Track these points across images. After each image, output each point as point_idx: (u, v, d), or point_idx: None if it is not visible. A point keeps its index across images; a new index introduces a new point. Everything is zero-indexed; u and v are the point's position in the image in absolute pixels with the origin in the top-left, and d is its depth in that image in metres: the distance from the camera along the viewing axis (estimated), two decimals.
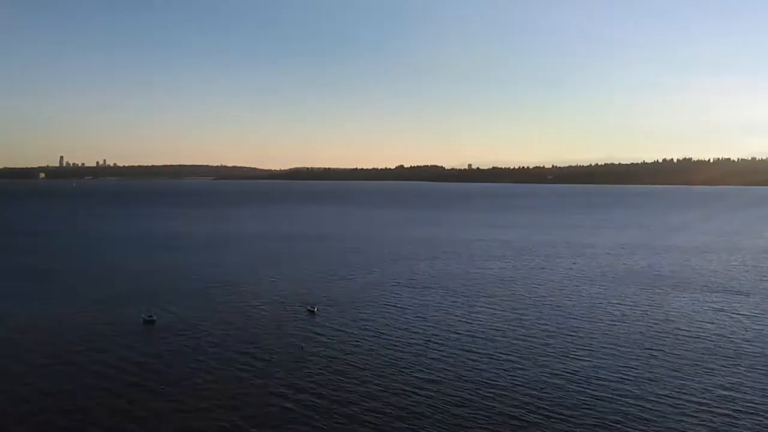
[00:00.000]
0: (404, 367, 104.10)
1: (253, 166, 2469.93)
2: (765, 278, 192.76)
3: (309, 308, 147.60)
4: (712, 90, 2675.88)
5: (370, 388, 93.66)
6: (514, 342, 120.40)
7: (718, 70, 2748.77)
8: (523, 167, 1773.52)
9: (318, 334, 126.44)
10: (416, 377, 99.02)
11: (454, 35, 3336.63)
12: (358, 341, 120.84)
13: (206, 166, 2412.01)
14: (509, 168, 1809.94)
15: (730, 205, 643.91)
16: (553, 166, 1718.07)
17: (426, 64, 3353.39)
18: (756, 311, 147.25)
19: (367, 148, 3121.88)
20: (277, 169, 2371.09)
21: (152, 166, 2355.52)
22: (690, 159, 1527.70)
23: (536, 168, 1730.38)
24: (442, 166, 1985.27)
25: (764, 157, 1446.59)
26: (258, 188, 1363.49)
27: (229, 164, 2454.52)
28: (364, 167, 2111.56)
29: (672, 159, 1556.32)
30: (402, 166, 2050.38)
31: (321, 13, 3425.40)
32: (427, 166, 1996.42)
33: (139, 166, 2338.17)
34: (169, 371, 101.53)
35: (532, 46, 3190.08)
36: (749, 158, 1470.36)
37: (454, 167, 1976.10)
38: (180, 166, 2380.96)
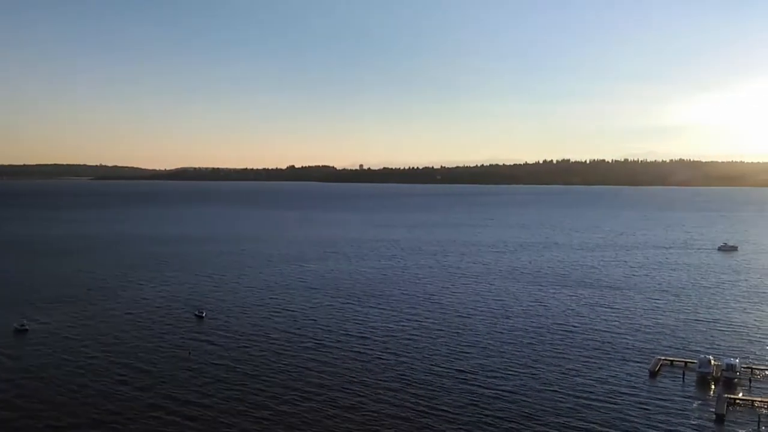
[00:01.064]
0: (295, 372, 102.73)
1: (135, 166, 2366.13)
2: (636, 273, 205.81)
3: (197, 313, 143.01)
4: (593, 96, 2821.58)
5: (261, 396, 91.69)
6: (404, 341, 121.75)
7: (598, 78, 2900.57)
8: (413, 168, 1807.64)
9: (206, 339, 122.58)
10: (308, 382, 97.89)
11: (346, 36, 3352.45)
12: (247, 346, 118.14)
13: (83, 165, 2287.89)
14: (399, 168, 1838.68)
15: (605, 204, 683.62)
16: (441, 166, 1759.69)
17: (317, 64, 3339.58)
18: (629, 304, 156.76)
19: (257, 147, 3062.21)
20: (162, 168, 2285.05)
21: (23, 165, 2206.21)
22: (568, 160, 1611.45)
23: (426, 168, 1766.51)
24: (333, 167, 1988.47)
25: (635, 159, 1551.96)
26: (141, 189, 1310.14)
27: (110, 163, 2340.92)
28: (254, 167, 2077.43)
29: (552, 160, 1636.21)
30: (293, 166, 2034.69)
31: (211, 8, 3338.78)
32: (319, 166, 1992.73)
33: (9, 166, 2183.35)
34: (41, 385, 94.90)
35: (423, 50, 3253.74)
36: (622, 159, 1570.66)
37: (346, 167, 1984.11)
38: (54, 165, 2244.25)
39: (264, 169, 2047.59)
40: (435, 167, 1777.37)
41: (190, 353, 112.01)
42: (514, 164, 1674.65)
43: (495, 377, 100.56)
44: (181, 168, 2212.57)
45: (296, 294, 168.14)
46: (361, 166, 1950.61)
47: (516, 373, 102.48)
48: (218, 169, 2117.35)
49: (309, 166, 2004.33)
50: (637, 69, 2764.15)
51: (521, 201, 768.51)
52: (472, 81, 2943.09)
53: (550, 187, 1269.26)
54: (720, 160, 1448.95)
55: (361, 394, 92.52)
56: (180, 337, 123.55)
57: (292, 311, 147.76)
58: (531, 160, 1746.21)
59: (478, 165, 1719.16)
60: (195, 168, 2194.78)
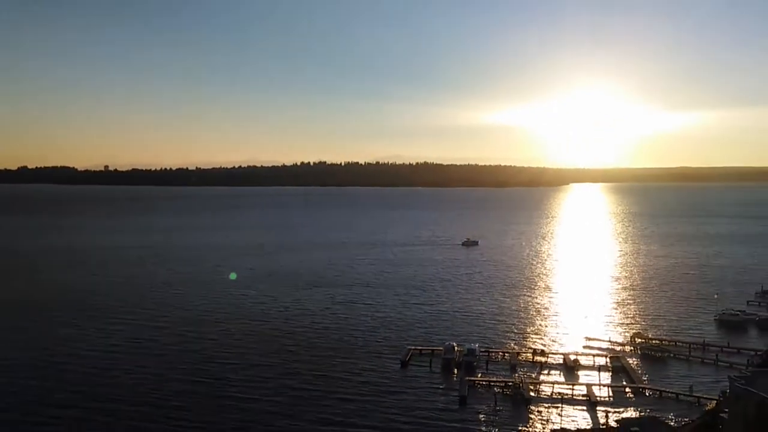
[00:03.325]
0: (15, 403, 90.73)
1: None
2: (386, 270, 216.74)
3: None
4: (345, 100, 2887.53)
5: None
6: (154, 355, 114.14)
7: (357, 81, 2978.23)
8: (165, 168, 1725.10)
9: None
10: (34, 411, 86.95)
11: (85, 19, 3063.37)
12: None
13: None
14: (150, 169, 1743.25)
15: (358, 204, 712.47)
16: (197, 168, 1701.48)
17: (49, 49, 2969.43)
18: (381, 300, 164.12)
19: None
20: None
21: None
22: (325, 162, 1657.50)
23: (180, 170, 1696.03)
24: (74, 168, 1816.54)
25: (386, 161, 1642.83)
26: None
27: None
28: None
29: (309, 162, 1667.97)
30: (26, 167, 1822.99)
31: None
32: (56, 167, 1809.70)
33: None
34: None
35: (173, 41, 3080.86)
36: (374, 162, 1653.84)
37: (89, 168, 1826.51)
38: None
39: None
40: (190, 168, 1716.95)
41: None
42: (273, 166, 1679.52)
43: (253, 383, 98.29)
44: None
45: (23, 310, 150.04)
46: (106, 167, 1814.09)
47: (275, 376, 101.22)
48: None
49: (44, 167, 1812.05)
50: (396, 75, 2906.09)
51: (279, 202, 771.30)
52: (227, 78, 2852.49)
53: (307, 189, 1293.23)
54: (458, 164, 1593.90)
55: (108, 414, 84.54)
56: None
57: (21, 329, 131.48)
58: (289, 162, 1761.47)
59: (236, 166, 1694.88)
60: None
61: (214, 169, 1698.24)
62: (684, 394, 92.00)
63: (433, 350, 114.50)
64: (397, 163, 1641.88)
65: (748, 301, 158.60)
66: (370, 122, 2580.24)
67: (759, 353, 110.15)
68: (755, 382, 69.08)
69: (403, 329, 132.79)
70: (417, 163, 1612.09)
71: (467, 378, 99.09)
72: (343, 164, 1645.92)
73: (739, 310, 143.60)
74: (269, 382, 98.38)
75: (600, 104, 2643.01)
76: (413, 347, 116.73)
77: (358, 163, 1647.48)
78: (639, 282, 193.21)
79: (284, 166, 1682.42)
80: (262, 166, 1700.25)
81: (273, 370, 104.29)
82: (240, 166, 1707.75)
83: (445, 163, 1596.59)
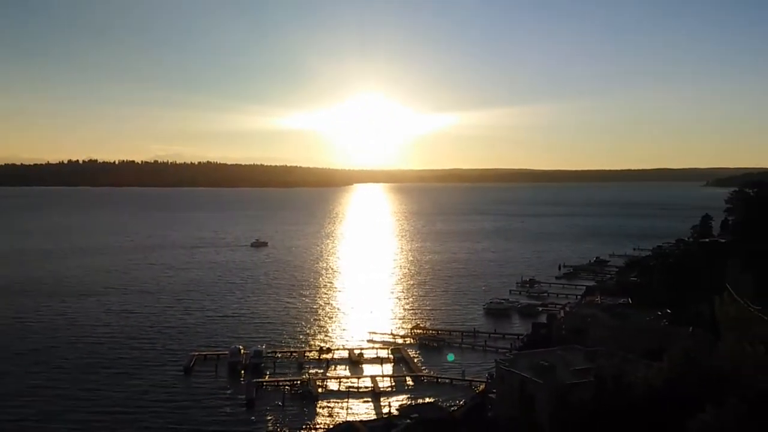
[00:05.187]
0: None
1: None
2: (166, 274, 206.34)
3: None
4: (119, 99, 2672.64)
5: None
6: None
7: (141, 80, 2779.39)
8: None
9: None
10: None
11: None
12: None
13: None
14: None
15: (134, 205, 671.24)
16: None
17: None
18: (160, 307, 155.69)
19: None
20: None
21: None
22: (96, 161, 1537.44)
23: None
24: None
25: (165, 160, 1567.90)
26: None
27: None
28: None
29: (78, 160, 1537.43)
30: None
31: None
32: None
33: None
34: None
35: None
36: (152, 161, 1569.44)
37: None
38: None
39: None
40: None
41: None
42: (34, 164, 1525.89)
43: (14, 410, 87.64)
44: None
45: None
46: None
47: (41, 400, 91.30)
48: None
49: None
50: (174, 78, 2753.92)
51: (40, 204, 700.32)
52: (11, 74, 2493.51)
53: (75, 189, 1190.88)
54: (244, 164, 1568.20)
55: None
56: None
57: None
58: (54, 159, 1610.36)
59: None
60: None
61: None
62: (457, 379, 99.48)
63: (218, 355, 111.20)
64: (177, 162, 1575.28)
65: (510, 290, 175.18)
66: (149, 124, 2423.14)
67: (521, 337, 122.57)
68: (517, 364, 76.40)
69: (185, 336, 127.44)
70: (199, 163, 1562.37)
71: (254, 380, 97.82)
72: (117, 163, 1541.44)
73: (503, 299, 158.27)
74: (33, 408, 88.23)
75: (380, 108, 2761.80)
76: (197, 353, 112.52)
77: (134, 162, 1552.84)
78: (418, 277, 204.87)
79: (49, 164, 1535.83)
80: (23, 164, 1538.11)
81: (37, 393, 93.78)
82: None
83: (229, 163, 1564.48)
